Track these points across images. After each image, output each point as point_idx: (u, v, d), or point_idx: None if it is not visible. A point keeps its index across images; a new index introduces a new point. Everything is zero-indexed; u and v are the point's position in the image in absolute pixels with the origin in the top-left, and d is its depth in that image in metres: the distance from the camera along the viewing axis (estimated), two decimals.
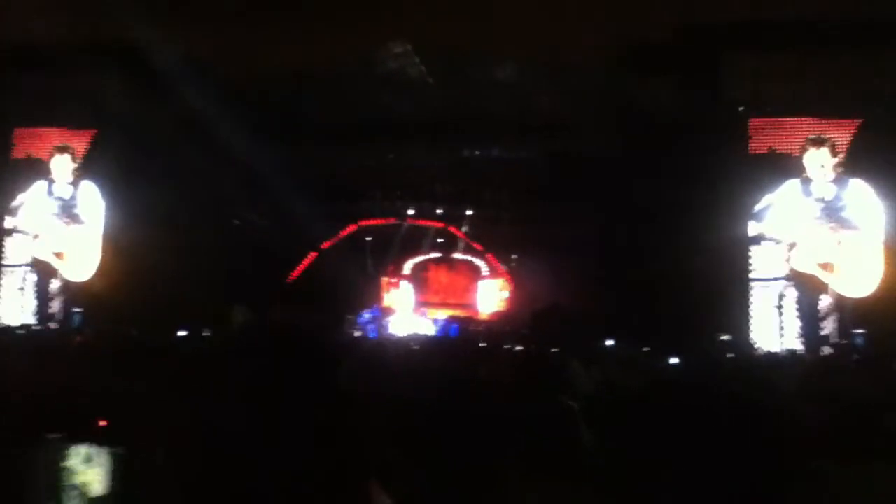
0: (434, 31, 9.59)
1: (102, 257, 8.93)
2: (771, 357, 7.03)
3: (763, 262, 9.71)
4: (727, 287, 9.53)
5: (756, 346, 8.80)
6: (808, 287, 9.43)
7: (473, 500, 1.98)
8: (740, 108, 9.72)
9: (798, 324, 9.39)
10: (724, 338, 8.05)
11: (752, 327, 9.49)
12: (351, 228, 13.96)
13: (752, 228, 9.66)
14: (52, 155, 8.62)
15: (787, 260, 9.51)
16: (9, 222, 8.39)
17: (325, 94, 11.18)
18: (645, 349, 6.47)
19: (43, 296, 8.63)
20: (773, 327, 9.48)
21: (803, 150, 9.42)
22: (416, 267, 14.36)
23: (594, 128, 10.70)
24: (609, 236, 10.91)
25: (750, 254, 9.74)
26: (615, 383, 3.24)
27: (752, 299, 9.65)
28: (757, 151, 9.82)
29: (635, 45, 9.81)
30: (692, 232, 9.16)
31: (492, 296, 14.04)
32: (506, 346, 6.90)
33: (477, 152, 12.62)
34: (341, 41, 9.69)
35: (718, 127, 9.69)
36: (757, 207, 9.65)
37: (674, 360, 4.41)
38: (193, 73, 9.73)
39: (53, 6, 8.67)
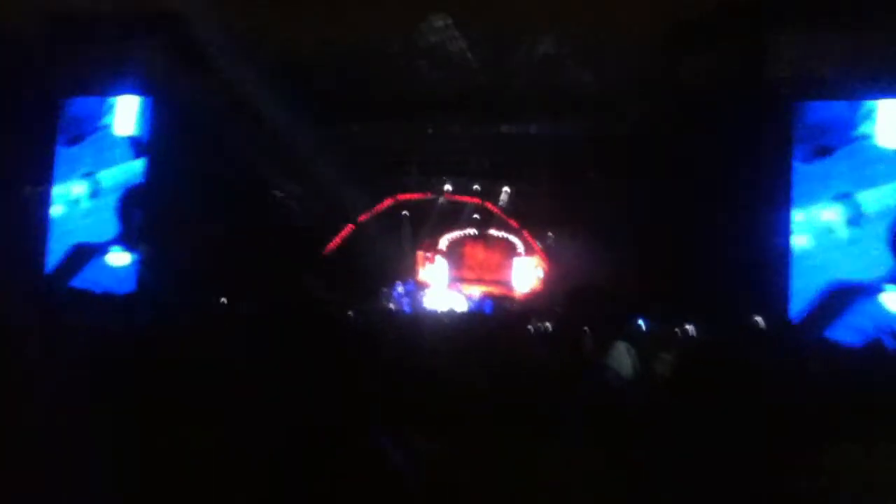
0: (473, 5, 9.49)
1: None
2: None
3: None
4: (767, 269, 9.42)
5: (794, 327, 8.71)
6: None
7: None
8: (783, 90, 9.50)
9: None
10: (759, 318, 7.97)
11: (790, 310, 9.39)
12: (388, 202, 14.03)
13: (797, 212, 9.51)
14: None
15: None
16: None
17: (363, 68, 11.20)
18: (680, 329, 6.46)
19: None
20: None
21: None
22: (452, 242, 14.39)
23: (634, 106, 10.57)
24: (646, 216, 10.81)
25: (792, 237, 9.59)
26: (654, 363, 3.27)
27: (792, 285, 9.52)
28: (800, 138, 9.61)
29: (677, 21, 9.65)
30: (731, 214, 9.04)
31: (527, 273, 14.03)
32: (540, 324, 6.92)
33: (515, 129, 12.54)
34: (379, 15, 9.67)
35: (761, 108, 9.50)
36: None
37: (708, 338, 4.42)
38: (233, 48, 9.83)
39: None
